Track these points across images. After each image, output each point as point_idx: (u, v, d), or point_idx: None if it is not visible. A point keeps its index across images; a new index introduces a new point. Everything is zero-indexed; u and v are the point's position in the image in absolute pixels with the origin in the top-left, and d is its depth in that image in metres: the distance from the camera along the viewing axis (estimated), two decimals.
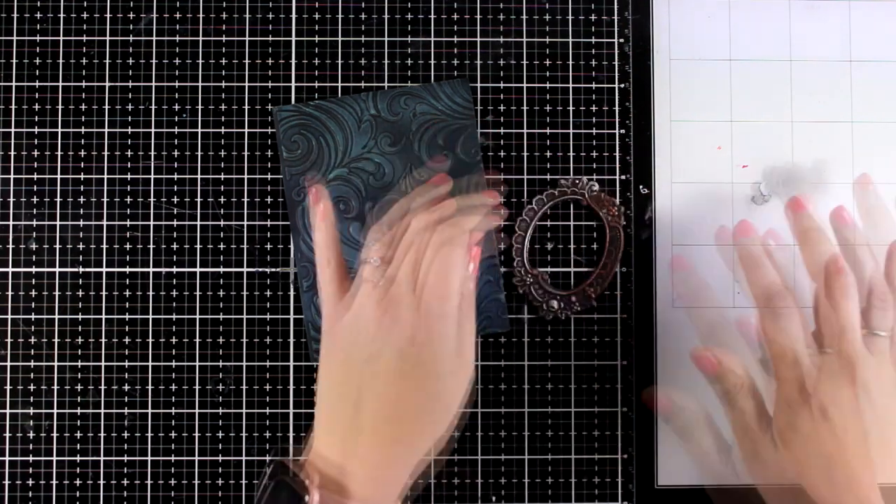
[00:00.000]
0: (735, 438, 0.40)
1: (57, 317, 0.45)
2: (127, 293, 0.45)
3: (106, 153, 0.45)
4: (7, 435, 0.44)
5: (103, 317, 0.45)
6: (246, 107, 0.46)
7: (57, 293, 0.45)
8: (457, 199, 0.41)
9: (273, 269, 0.45)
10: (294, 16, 0.46)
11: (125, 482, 0.44)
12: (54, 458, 0.44)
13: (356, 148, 0.44)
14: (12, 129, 0.45)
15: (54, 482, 0.44)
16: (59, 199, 0.45)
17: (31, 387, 0.45)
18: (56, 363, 0.45)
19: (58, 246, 0.45)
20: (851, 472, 0.37)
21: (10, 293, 0.45)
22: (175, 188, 0.45)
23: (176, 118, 0.45)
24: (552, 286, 0.45)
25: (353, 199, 0.45)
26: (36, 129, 0.45)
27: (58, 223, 0.45)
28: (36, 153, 0.45)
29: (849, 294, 0.39)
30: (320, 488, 0.35)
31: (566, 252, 0.46)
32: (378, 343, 0.37)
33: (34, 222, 0.45)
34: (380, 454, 0.36)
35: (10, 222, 0.45)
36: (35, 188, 0.45)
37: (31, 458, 0.44)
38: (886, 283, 0.41)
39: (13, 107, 0.45)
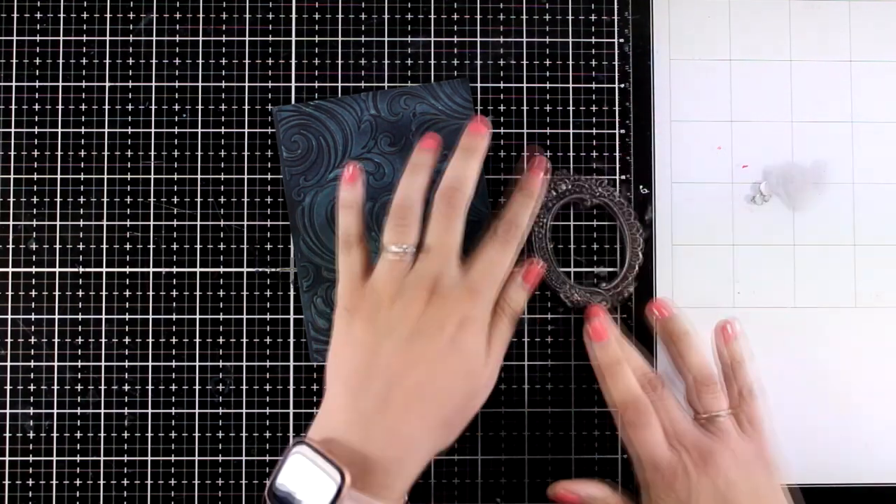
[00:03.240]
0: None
1: (57, 317, 0.45)
2: (127, 293, 0.45)
3: (106, 153, 0.45)
4: (7, 435, 0.44)
5: (103, 317, 0.45)
6: (246, 107, 0.46)
7: (57, 293, 0.45)
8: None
9: (273, 269, 0.45)
10: (294, 16, 0.46)
11: (125, 482, 0.44)
12: (54, 458, 0.44)
13: (356, 148, 0.44)
14: (12, 129, 0.45)
15: (54, 482, 0.44)
16: (59, 199, 0.45)
17: (31, 387, 0.45)
18: (56, 363, 0.45)
19: (58, 246, 0.45)
20: None
21: (10, 293, 0.45)
22: (175, 188, 0.45)
23: (176, 118, 0.45)
24: (572, 279, 0.45)
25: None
26: (36, 129, 0.45)
27: (58, 223, 0.45)
28: (36, 153, 0.45)
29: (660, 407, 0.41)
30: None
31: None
32: (425, 324, 0.37)
33: (34, 222, 0.45)
34: (407, 434, 0.36)
35: (10, 222, 0.45)
36: (35, 188, 0.45)
37: (31, 458, 0.44)
38: (710, 367, 0.42)
39: (13, 107, 0.45)
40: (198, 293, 0.45)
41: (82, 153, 0.45)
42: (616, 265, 0.45)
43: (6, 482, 0.44)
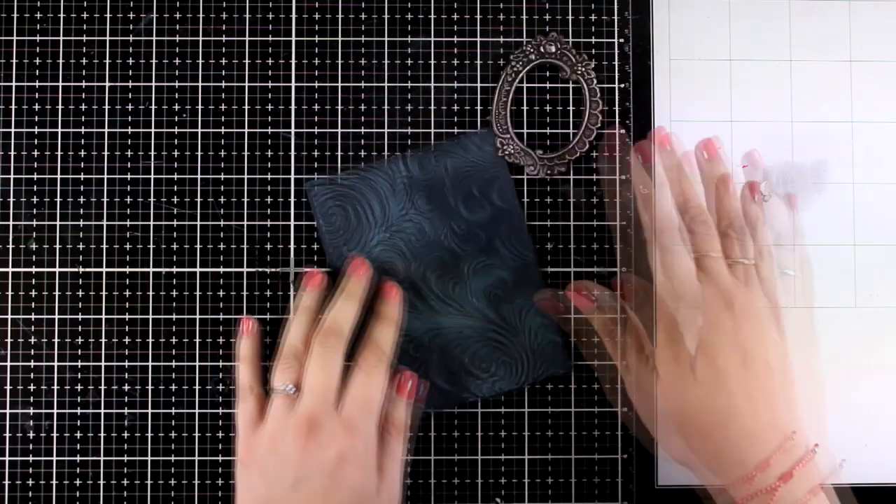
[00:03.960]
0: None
1: (57, 317, 0.45)
2: (127, 293, 0.45)
3: (106, 153, 0.45)
4: (7, 435, 0.44)
5: (103, 317, 0.45)
6: (246, 107, 0.46)
7: (57, 293, 0.45)
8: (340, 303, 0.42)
9: (273, 269, 0.45)
10: (294, 16, 0.46)
11: (125, 482, 0.44)
12: (54, 458, 0.44)
13: (395, 211, 0.45)
14: (12, 129, 0.45)
15: (54, 482, 0.44)
16: (59, 199, 0.45)
17: (31, 387, 0.45)
18: (56, 363, 0.45)
19: (58, 246, 0.45)
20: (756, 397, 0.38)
21: (10, 293, 0.45)
22: (175, 188, 0.45)
23: (176, 118, 0.45)
24: (530, 147, 0.45)
25: (399, 261, 0.44)
26: (36, 129, 0.45)
27: (58, 223, 0.45)
28: (36, 153, 0.45)
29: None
30: None
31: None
32: (305, 467, 0.37)
33: (34, 222, 0.45)
34: None
35: (10, 222, 0.45)
36: (35, 188, 0.45)
37: (31, 458, 0.44)
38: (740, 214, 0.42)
39: (13, 107, 0.45)
40: (198, 293, 0.45)
41: (82, 153, 0.45)
42: (576, 129, 0.45)
43: (6, 482, 0.44)
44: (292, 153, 0.46)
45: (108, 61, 0.45)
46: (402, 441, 0.41)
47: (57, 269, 0.45)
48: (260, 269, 0.45)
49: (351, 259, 0.44)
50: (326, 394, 0.39)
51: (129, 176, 0.45)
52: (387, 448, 0.40)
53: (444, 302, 0.44)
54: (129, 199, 0.45)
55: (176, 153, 0.45)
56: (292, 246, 0.45)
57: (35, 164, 0.45)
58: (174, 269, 0.45)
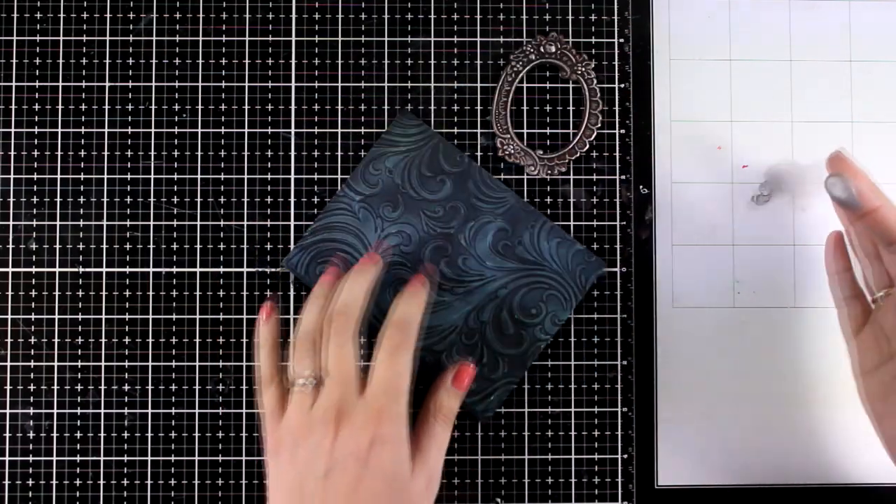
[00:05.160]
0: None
1: (57, 317, 0.45)
2: (127, 293, 0.45)
3: (106, 153, 0.45)
4: (7, 435, 0.44)
5: (103, 317, 0.45)
6: (246, 107, 0.46)
7: (57, 293, 0.45)
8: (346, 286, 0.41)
9: (273, 269, 0.45)
10: (294, 16, 0.46)
11: (125, 482, 0.44)
12: (54, 458, 0.44)
13: (372, 236, 0.45)
14: (12, 129, 0.45)
15: (54, 482, 0.44)
16: (59, 199, 0.45)
17: (31, 387, 0.45)
18: (56, 363, 0.45)
19: (58, 246, 0.45)
20: None
21: (10, 293, 0.45)
22: (175, 188, 0.45)
23: (176, 118, 0.45)
24: (530, 147, 0.45)
25: (406, 272, 0.44)
26: (36, 129, 0.45)
27: (58, 223, 0.45)
28: (36, 153, 0.45)
29: None
30: None
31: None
32: (337, 455, 0.37)
33: (34, 222, 0.45)
34: None
35: (10, 222, 0.45)
36: (35, 188, 0.45)
37: (31, 458, 0.44)
38: None
39: (13, 107, 0.45)
40: (198, 293, 0.45)
41: (82, 153, 0.45)
42: (576, 137, 0.45)
43: (6, 482, 0.44)
44: (292, 153, 0.46)
45: (108, 61, 0.45)
46: (449, 430, 0.40)
47: (57, 269, 0.45)
48: (260, 269, 0.45)
49: (369, 252, 0.43)
50: (348, 379, 0.38)
51: (129, 176, 0.45)
52: (432, 433, 0.39)
53: (464, 281, 0.44)
54: (129, 199, 0.45)
55: (176, 153, 0.45)
56: (292, 246, 0.45)
57: (35, 164, 0.45)
58: (174, 269, 0.45)
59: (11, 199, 0.45)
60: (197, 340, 0.45)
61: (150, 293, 0.45)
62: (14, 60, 0.45)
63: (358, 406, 0.38)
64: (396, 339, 0.39)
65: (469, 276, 0.44)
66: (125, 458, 0.44)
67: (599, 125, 0.45)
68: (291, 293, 0.45)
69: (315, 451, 0.37)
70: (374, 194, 0.45)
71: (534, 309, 0.44)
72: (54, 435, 0.44)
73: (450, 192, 0.45)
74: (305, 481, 0.37)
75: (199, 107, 0.45)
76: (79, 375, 0.45)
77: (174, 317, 0.45)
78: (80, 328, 0.45)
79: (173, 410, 0.45)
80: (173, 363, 0.45)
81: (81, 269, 0.45)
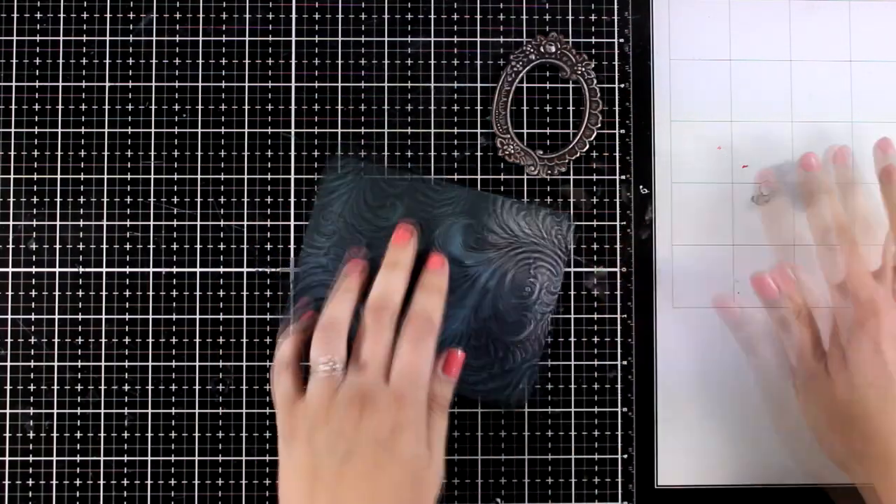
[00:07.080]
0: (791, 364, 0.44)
1: (57, 317, 0.45)
2: (127, 293, 0.45)
3: (106, 153, 0.45)
4: (7, 435, 0.44)
5: (103, 317, 0.45)
6: (246, 107, 0.46)
7: (57, 293, 0.45)
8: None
9: (273, 269, 0.45)
10: (294, 16, 0.46)
11: (125, 482, 0.44)
12: (54, 458, 0.44)
13: (359, 242, 0.44)
14: (12, 129, 0.45)
15: (54, 482, 0.44)
16: (59, 199, 0.45)
17: (31, 387, 0.45)
18: (56, 363, 0.45)
19: (58, 246, 0.45)
20: None
21: (10, 293, 0.45)
22: (175, 188, 0.45)
23: (176, 118, 0.45)
24: (530, 146, 0.45)
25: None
26: (36, 129, 0.45)
27: (58, 223, 0.45)
28: (36, 153, 0.45)
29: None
30: None
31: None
32: (358, 440, 0.37)
33: (34, 222, 0.45)
34: None
35: (10, 222, 0.45)
36: (35, 188, 0.45)
37: (31, 458, 0.44)
38: None
39: (13, 107, 0.45)
40: (198, 293, 0.45)
41: (82, 153, 0.45)
42: (577, 129, 0.45)
43: (6, 482, 0.44)
44: (292, 153, 0.46)
45: (108, 61, 0.45)
46: (445, 418, 0.40)
47: (57, 269, 0.45)
48: (260, 269, 0.45)
49: (396, 230, 0.43)
50: (378, 367, 0.38)
51: (129, 176, 0.45)
52: (433, 423, 0.39)
53: (453, 289, 0.44)
54: (129, 199, 0.45)
55: (176, 153, 0.45)
56: (292, 246, 0.45)
57: (35, 164, 0.45)
58: (174, 269, 0.45)
59: (11, 199, 0.45)
60: (197, 340, 0.45)
61: (150, 293, 0.45)
62: (14, 60, 0.45)
63: (382, 392, 0.38)
64: (419, 329, 0.40)
65: (455, 282, 0.44)
66: (125, 458, 0.44)
67: (599, 125, 0.45)
68: (291, 293, 0.45)
69: (336, 436, 0.37)
70: (336, 242, 0.44)
71: (526, 288, 0.44)
72: (54, 435, 0.44)
73: (403, 211, 0.44)
74: (320, 466, 0.37)
75: (199, 107, 0.45)
76: (79, 375, 0.45)
77: (174, 317, 0.45)
78: (79, 328, 0.45)
79: (173, 410, 0.45)
80: (173, 363, 0.45)
81: (81, 269, 0.45)
